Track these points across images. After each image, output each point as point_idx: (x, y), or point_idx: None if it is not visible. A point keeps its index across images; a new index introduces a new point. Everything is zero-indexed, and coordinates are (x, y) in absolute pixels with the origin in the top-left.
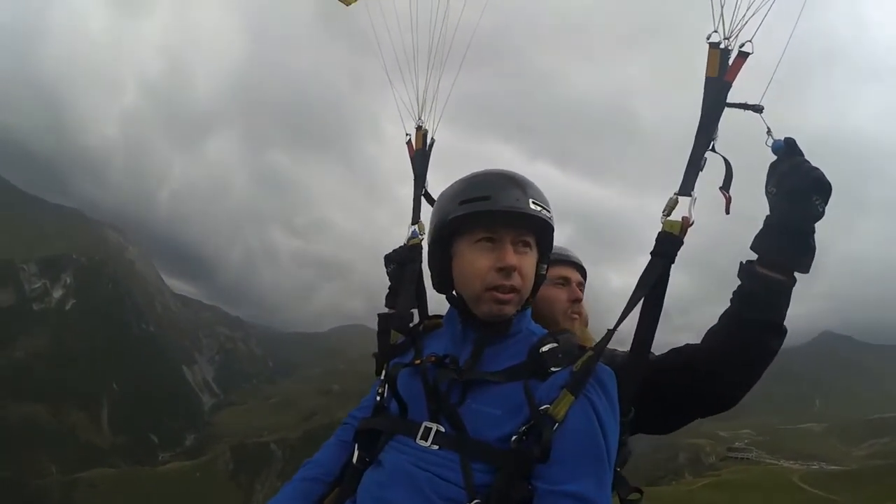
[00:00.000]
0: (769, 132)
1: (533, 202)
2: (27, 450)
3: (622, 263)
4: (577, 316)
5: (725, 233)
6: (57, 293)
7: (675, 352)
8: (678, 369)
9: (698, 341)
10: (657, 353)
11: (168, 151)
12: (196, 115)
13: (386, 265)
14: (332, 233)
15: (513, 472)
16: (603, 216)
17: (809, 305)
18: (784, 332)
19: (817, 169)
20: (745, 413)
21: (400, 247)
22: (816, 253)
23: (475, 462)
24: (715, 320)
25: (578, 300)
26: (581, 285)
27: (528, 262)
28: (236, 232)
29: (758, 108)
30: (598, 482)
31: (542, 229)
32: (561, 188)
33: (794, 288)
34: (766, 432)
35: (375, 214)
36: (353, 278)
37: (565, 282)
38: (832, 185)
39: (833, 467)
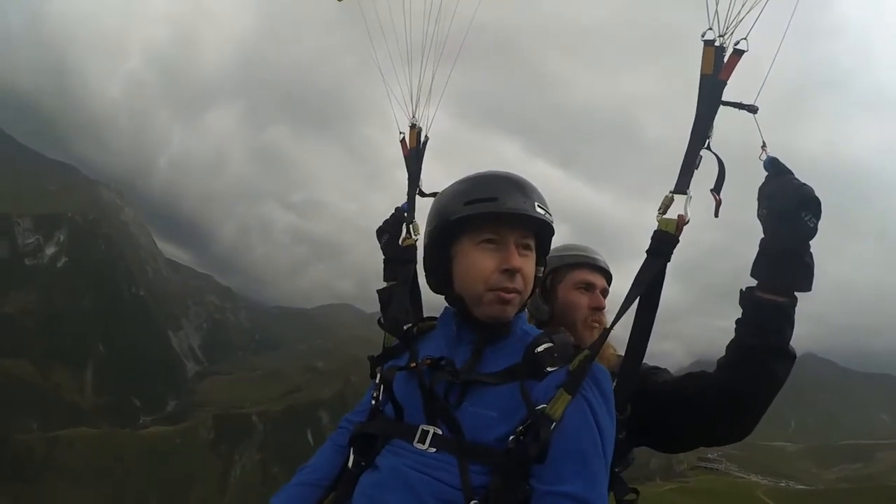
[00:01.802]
0: (763, 146)
1: (538, 205)
2: (9, 405)
3: (614, 266)
4: (597, 324)
5: (714, 244)
6: (50, 250)
7: (690, 377)
8: (689, 396)
9: (688, 351)
10: (649, 364)
11: (170, 119)
12: (200, 85)
13: (378, 237)
14: (328, 213)
15: (510, 473)
16: (598, 218)
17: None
18: (791, 356)
19: (805, 185)
20: None
21: (390, 216)
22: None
23: (473, 464)
24: (701, 330)
25: (600, 308)
26: (605, 292)
27: (530, 264)
28: (232, 203)
29: (752, 109)
30: (594, 482)
31: (542, 232)
32: (559, 188)
33: (795, 308)
34: (739, 447)
35: (373, 198)
36: (345, 259)
37: (588, 287)
38: (821, 200)
39: (800, 487)
